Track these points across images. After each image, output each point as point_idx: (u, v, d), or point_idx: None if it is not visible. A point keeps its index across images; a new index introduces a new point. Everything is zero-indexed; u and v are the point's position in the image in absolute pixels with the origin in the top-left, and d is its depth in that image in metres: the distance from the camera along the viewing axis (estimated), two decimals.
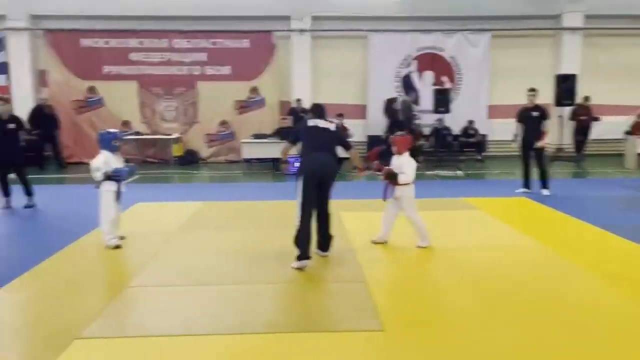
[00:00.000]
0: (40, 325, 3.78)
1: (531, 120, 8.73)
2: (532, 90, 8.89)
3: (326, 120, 5.37)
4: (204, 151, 14.35)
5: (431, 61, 14.34)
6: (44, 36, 13.68)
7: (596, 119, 13.57)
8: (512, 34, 14.23)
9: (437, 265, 5.19)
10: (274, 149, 11.36)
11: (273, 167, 12.22)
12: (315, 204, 5.08)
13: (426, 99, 14.09)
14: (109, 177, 5.55)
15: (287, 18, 14.02)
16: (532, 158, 8.85)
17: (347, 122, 12.71)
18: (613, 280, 4.63)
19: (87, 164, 12.95)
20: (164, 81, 14.02)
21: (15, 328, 3.85)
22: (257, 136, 12.54)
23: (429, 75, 14.36)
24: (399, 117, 12.75)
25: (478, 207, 7.62)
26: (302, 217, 4.96)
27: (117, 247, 5.62)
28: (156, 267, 5.09)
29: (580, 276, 4.78)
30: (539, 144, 8.62)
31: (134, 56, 13.86)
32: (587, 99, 13.58)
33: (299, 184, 4.99)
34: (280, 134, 12.17)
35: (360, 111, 14.31)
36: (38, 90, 13.85)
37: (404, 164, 5.49)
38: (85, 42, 13.69)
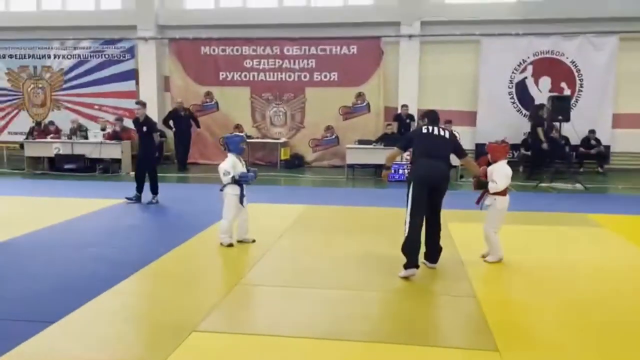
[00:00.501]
0: (161, 316, 4.04)
1: None
2: None
3: (439, 127, 5.23)
4: (309, 155, 14.67)
5: (549, 66, 13.50)
6: (169, 45, 14.78)
7: None
8: None
9: (554, 284, 4.82)
10: (377, 155, 11.33)
11: (375, 173, 12.17)
12: (426, 212, 4.94)
13: None
14: (235, 180, 5.80)
15: (396, 24, 13.92)
16: None
17: (455, 129, 12.31)
18: None
19: (204, 164, 14.05)
20: (274, 87, 14.54)
21: (138, 317, 4.16)
22: (362, 142, 12.56)
23: (546, 81, 13.52)
24: (544, 123, 12.14)
25: (602, 224, 7.01)
26: (411, 225, 4.84)
27: (230, 245, 5.88)
28: (266, 266, 5.27)
29: None
30: None
31: (247, 63, 14.52)
32: None
33: (410, 191, 4.88)
34: (385, 140, 12.10)
35: (468, 118, 13.82)
36: (162, 95, 14.96)
37: (494, 172, 5.22)
38: (205, 49, 14.58)
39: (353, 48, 14.11)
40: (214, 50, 14.60)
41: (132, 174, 11.81)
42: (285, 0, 14.58)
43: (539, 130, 12.31)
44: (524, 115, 13.63)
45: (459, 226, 6.76)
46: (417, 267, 4.82)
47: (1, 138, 15.48)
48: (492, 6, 13.58)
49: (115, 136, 12.53)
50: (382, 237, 6.19)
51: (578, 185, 10.70)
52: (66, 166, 12.44)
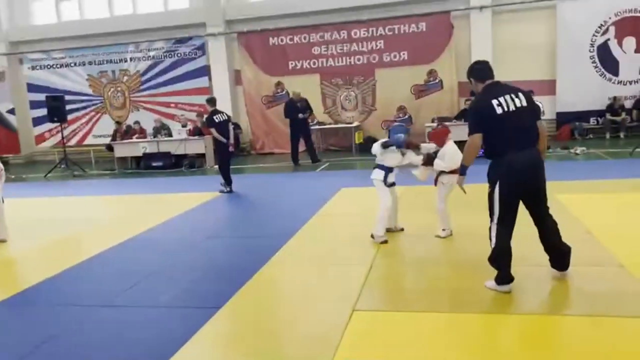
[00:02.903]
0: (324, 295, 4.21)
1: None
2: None
3: (510, 90, 3.87)
4: (382, 137, 14.55)
5: (633, 25, 12.82)
6: (238, 39, 15.06)
7: None
8: None
9: None
10: (458, 132, 11.10)
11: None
12: (533, 219, 4.00)
13: (628, 69, 12.70)
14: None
15: None
16: None
17: (536, 99, 11.96)
18: None
19: (279, 154, 14.31)
20: (344, 71, 14.56)
21: (308, 295, 4.31)
22: (441, 119, 12.39)
23: (631, 41, 12.86)
24: None
25: None
26: (499, 234, 3.88)
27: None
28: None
29: None
30: None
31: (315, 50, 14.59)
32: None
33: (496, 194, 3.84)
34: (465, 115, 11.90)
35: (548, 87, 13.36)
36: (234, 88, 15.29)
37: (445, 154, 5.25)
38: (273, 40, 14.76)
39: (422, 25, 13.90)
40: (282, 40, 14.76)
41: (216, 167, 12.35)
42: None
43: None
44: (608, 80, 13.05)
45: (571, 197, 6.60)
46: (512, 280, 3.91)
47: (87, 141, 16.34)
48: None
49: (197, 132, 12.96)
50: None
51: None
52: (154, 164, 12.99)
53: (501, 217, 3.85)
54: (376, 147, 5.43)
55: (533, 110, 3.90)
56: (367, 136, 14.54)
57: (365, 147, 14.10)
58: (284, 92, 14.96)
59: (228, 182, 9.15)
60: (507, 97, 3.78)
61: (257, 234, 6.36)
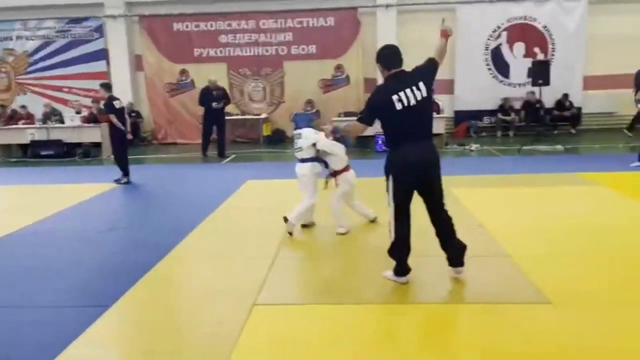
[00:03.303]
0: (224, 290, 4.06)
1: None
2: None
3: (410, 79, 3.83)
4: (290, 130, 14.56)
5: (522, 32, 13.81)
6: (139, 22, 14.27)
7: None
8: None
9: (576, 241, 5.06)
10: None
11: (359, 144, 12.23)
12: (428, 211, 4.03)
13: (517, 72, 13.68)
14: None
15: None
16: None
17: (436, 97, 12.53)
18: None
19: (182, 144, 13.78)
20: (252, 62, 14.31)
21: (207, 290, 4.12)
22: (348, 114, 12.59)
23: (520, 46, 13.85)
24: None
25: (598, 182, 7.36)
26: (397, 227, 3.93)
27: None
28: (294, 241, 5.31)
29: None
30: None
31: (223, 38, 14.21)
32: None
33: (391, 188, 3.90)
34: None
35: (447, 86, 14.02)
36: (134, 74, 14.49)
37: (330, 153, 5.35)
38: (177, 26, 14.16)
39: (330, 20, 14.01)
40: (187, 27, 14.19)
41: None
42: None
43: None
44: (500, 82, 13.99)
45: (464, 191, 6.96)
46: (409, 271, 4.03)
47: None
48: None
49: (93, 119, 12.13)
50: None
51: (558, 147, 11.13)
52: (43, 152, 11.98)
53: (397, 208, 3.89)
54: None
55: (431, 97, 3.93)
56: (275, 128, 14.46)
57: (273, 139, 14.03)
58: (188, 80, 14.42)
59: (125, 172, 8.66)
60: (409, 90, 3.77)
61: (155, 228, 6.04)
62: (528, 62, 13.09)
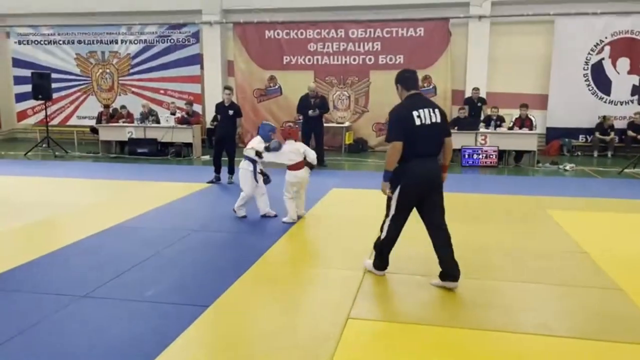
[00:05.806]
0: (317, 299, 4.09)
1: None
2: None
3: (428, 104, 4.19)
4: (372, 140, 14.55)
5: (627, 47, 12.93)
6: (233, 29, 14.81)
7: None
8: None
9: None
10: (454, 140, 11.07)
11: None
12: (425, 222, 4.29)
13: (619, 89, 12.84)
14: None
15: (465, 4, 13.56)
16: None
17: (528, 113, 12.02)
18: None
19: None
20: (339, 70, 14.42)
21: (300, 296, 4.19)
22: None
23: (625, 62, 12.97)
24: None
25: None
26: (390, 228, 4.31)
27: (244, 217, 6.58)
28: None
29: None
30: None
31: (311, 46, 14.42)
32: None
33: (396, 196, 4.20)
34: (457, 124, 11.85)
35: (540, 101, 13.42)
36: (226, 79, 15.04)
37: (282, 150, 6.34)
38: (269, 33, 14.55)
39: (420, 30, 13.84)
40: (277, 34, 14.55)
41: (204, 157, 12.13)
42: None
43: None
44: (600, 99, 13.16)
45: (561, 214, 6.57)
46: (387, 267, 4.49)
47: (71, 122, 15.93)
48: None
49: (185, 120, 12.69)
50: (499, 225, 6.07)
51: None
52: (139, 150, 12.69)
53: (396, 216, 4.25)
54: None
55: (444, 128, 4.24)
56: (357, 137, 14.47)
57: (354, 147, 14.03)
58: (276, 87, 14.76)
59: (219, 170, 9.20)
60: (426, 110, 4.09)
61: (246, 230, 6.18)
62: (633, 79, 12.24)
